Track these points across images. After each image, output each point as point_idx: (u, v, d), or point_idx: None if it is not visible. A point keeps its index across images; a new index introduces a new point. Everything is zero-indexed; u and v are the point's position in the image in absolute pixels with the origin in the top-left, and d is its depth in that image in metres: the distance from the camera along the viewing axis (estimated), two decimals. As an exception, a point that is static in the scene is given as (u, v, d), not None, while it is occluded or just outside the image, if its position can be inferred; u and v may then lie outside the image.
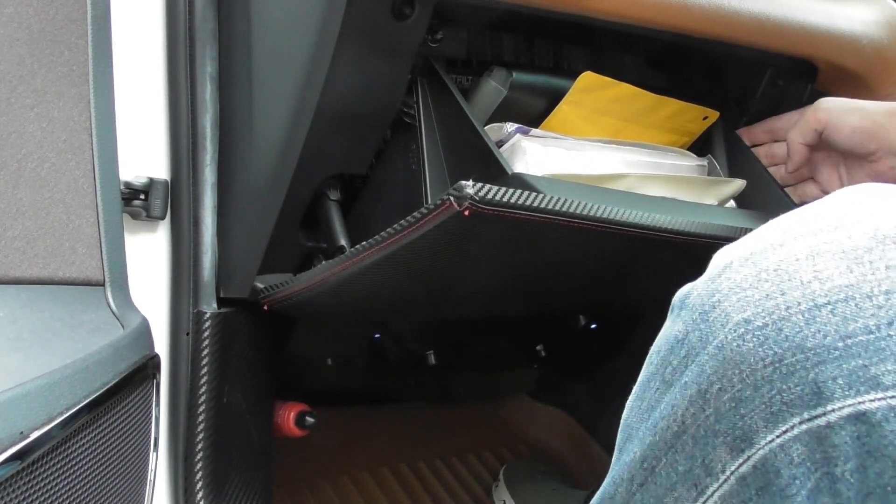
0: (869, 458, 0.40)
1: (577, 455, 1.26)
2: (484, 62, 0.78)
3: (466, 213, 0.56)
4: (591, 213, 0.62)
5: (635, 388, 0.51)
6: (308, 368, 1.03)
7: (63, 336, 0.55)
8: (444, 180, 0.70)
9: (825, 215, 0.46)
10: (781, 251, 0.44)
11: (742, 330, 0.43)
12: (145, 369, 0.60)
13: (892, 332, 0.40)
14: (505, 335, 1.19)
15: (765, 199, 0.84)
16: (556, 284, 0.82)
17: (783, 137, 0.87)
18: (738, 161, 0.86)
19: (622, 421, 0.52)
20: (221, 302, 0.76)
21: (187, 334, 0.76)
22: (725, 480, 0.44)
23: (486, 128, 0.72)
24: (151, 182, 0.73)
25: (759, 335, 0.42)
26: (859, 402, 0.40)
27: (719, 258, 0.48)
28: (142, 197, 0.73)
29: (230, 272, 0.76)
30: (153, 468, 0.64)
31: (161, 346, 0.75)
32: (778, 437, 0.42)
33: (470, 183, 0.56)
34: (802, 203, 0.85)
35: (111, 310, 0.61)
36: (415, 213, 0.59)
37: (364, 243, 0.64)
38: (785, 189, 0.85)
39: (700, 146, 0.88)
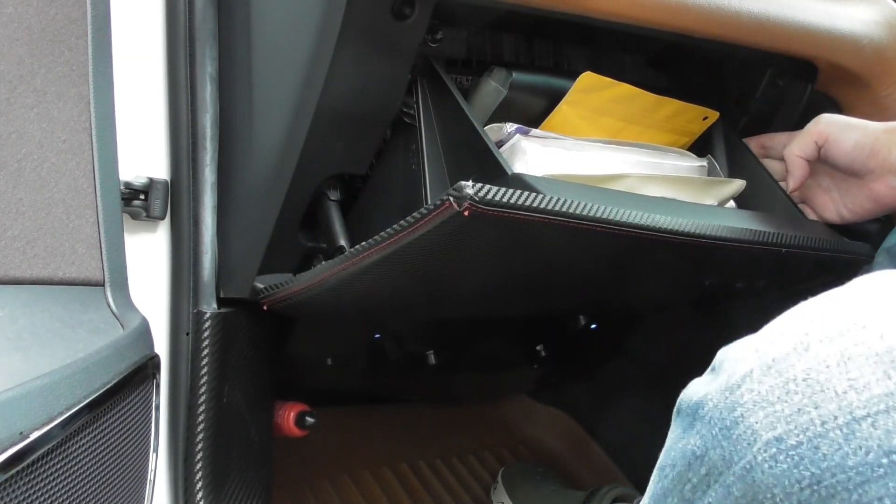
0: None
1: (577, 455, 1.26)
2: (484, 62, 0.78)
3: (466, 213, 0.56)
4: (591, 214, 0.62)
5: (647, 500, 0.48)
6: (308, 368, 1.03)
7: (63, 336, 0.55)
8: (443, 180, 0.70)
9: (850, 311, 0.41)
10: (808, 357, 0.40)
11: (774, 450, 0.39)
12: (145, 369, 0.60)
13: None
14: (505, 335, 1.19)
15: (765, 199, 0.84)
16: (555, 285, 0.82)
17: (776, 155, 0.86)
18: (738, 161, 0.86)
19: None
20: (221, 302, 0.76)
21: (187, 334, 0.76)
22: None
23: (486, 128, 0.72)
24: (151, 182, 0.73)
25: (794, 455, 0.39)
26: None
27: (734, 363, 0.44)
28: (142, 197, 0.72)
29: (230, 272, 0.76)
30: (153, 468, 0.64)
31: (161, 346, 0.75)
32: None
33: (470, 183, 0.56)
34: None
35: (111, 310, 0.61)
36: (415, 214, 0.59)
37: (364, 243, 0.64)
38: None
39: (700, 146, 0.88)
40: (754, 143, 0.88)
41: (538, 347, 1.20)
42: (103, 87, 0.65)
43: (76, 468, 0.51)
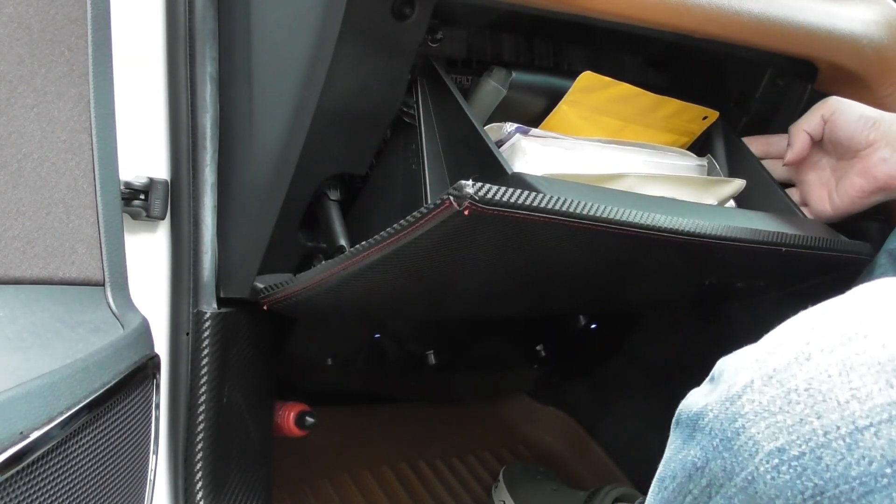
0: None
1: (577, 455, 1.26)
2: (484, 62, 0.78)
3: (466, 212, 0.56)
4: (592, 213, 0.62)
5: None
6: (308, 368, 1.03)
7: (63, 336, 0.55)
8: (443, 180, 0.70)
9: (851, 320, 0.41)
10: (810, 366, 0.40)
11: (776, 460, 0.39)
12: (145, 369, 0.60)
13: None
14: (505, 335, 1.19)
15: (765, 199, 0.84)
16: (555, 284, 0.82)
17: (776, 154, 0.87)
18: (738, 161, 0.86)
19: None
20: (221, 302, 0.76)
21: (187, 334, 0.76)
22: None
23: (485, 128, 0.72)
24: (151, 182, 0.73)
25: (796, 466, 0.38)
26: None
27: (734, 373, 0.43)
28: (142, 197, 0.72)
29: (230, 272, 0.76)
30: (153, 468, 0.64)
31: (161, 346, 0.75)
32: None
33: (470, 182, 0.56)
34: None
35: (111, 310, 0.61)
36: (415, 213, 0.59)
37: (364, 243, 0.64)
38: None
39: (700, 146, 0.88)
40: (755, 144, 0.88)
41: (538, 347, 1.20)
42: (103, 87, 0.65)
43: (76, 468, 0.51)
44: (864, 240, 0.83)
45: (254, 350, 0.81)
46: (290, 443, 0.95)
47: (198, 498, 0.77)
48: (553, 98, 0.76)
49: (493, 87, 0.76)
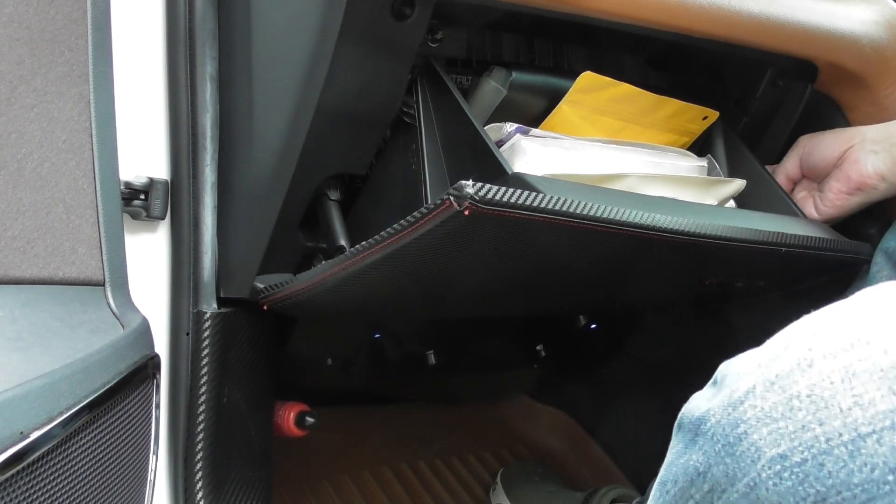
0: None
1: (577, 455, 1.26)
2: (484, 62, 0.78)
3: (466, 212, 0.56)
4: (592, 213, 0.62)
5: None
6: (308, 368, 1.03)
7: (63, 336, 0.55)
8: (443, 180, 0.70)
9: (853, 326, 0.41)
10: (812, 373, 0.40)
11: (778, 467, 0.39)
12: (145, 369, 0.60)
13: None
14: (505, 335, 1.19)
15: (765, 199, 0.84)
16: (556, 284, 0.82)
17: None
18: (738, 161, 0.86)
19: None
20: (221, 302, 0.76)
21: (187, 334, 0.76)
22: None
23: (486, 128, 0.72)
24: (151, 182, 0.73)
25: (798, 472, 0.38)
26: None
27: (736, 378, 0.43)
28: (142, 197, 0.72)
29: (230, 272, 0.76)
30: (153, 468, 0.64)
31: (161, 346, 0.75)
32: None
33: (470, 182, 0.56)
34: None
35: (111, 310, 0.61)
36: (415, 213, 0.59)
37: (364, 243, 0.64)
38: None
39: (700, 146, 0.88)
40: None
41: (538, 347, 1.20)
42: (103, 87, 0.65)
43: (76, 468, 0.51)
44: (863, 240, 0.83)
45: (254, 350, 0.81)
46: (290, 443, 0.95)
47: (198, 498, 0.77)
48: (553, 98, 0.76)
49: (493, 87, 0.76)
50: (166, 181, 0.75)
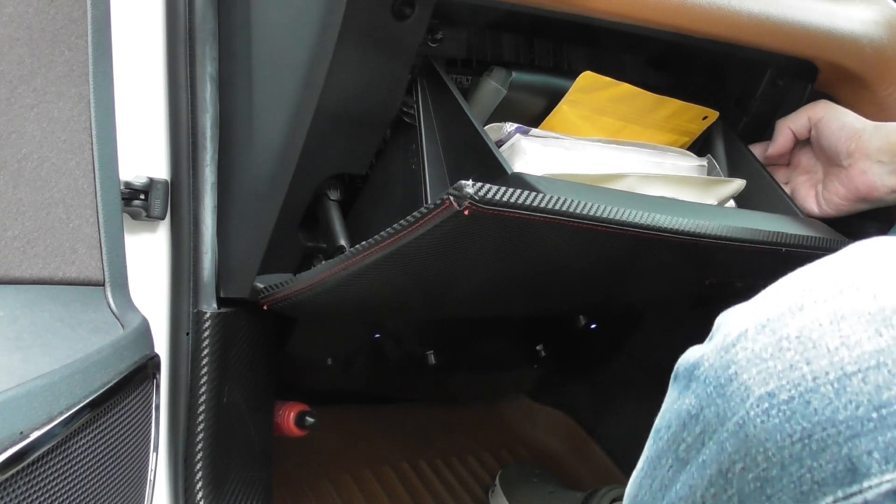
0: None
1: (577, 456, 1.26)
2: (484, 62, 0.78)
3: (466, 212, 0.56)
4: (592, 213, 0.62)
5: (642, 464, 0.48)
6: (308, 368, 1.03)
7: (63, 336, 0.55)
8: (443, 180, 0.70)
9: (844, 274, 0.42)
10: (802, 316, 0.41)
11: (766, 404, 0.40)
12: (145, 369, 0.60)
13: None
14: (505, 335, 1.19)
15: (765, 199, 0.84)
16: (555, 284, 0.82)
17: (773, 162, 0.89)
18: (738, 161, 0.86)
19: (629, 498, 0.48)
20: (221, 302, 0.76)
21: (187, 334, 0.76)
22: None
23: (485, 128, 0.72)
24: (151, 182, 0.73)
25: (785, 409, 0.39)
26: None
27: (730, 324, 0.44)
28: (142, 197, 0.72)
29: (230, 272, 0.76)
30: (153, 468, 0.64)
31: (161, 346, 0.75)
32: None
33: (470, 182, 0.56)
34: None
35: (111, 310, 0.61)
36: (415, 213, 0.59)
37: (364, 243, 0.64)
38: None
39: (700, 146, 0.88)
40: (754, 151, 0.89)
41: (538, 347, 1.20)
42: (103, 87, 0.65)
43: (76, 468, 0.51)
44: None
45: (254, 350, 0.81)
46: (290, 443, 0.95)
47: (198, 498, 0.77)
48: (553, 98, 0.76)
49: (493, 87, 0.76)
50: (166, 181, 0.75)
